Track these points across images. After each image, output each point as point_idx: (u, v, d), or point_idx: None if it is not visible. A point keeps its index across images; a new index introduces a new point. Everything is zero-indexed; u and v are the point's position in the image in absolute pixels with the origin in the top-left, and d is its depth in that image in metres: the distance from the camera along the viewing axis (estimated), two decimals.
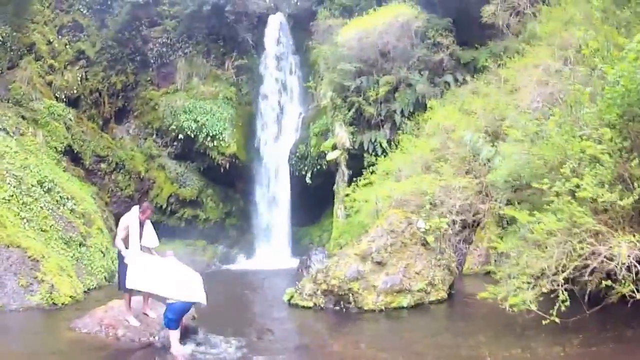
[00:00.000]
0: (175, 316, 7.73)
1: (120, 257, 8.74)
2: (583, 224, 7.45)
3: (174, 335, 7.76)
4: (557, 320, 7.09)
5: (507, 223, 13.07)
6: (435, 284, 10.61)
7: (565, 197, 7.73)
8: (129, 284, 8.23)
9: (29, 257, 12.43)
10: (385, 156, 17.25)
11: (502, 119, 14.60)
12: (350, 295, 10.21)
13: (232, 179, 21.62)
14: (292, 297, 10.94)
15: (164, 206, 20.67)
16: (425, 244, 11.18)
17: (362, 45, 19.44)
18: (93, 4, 21.67)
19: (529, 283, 7.68)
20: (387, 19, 19.04)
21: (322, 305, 10.45)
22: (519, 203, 12.17)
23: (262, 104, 22.75)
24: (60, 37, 20.83)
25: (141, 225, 8.79)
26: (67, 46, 20.86)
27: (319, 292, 10.53)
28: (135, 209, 8.86)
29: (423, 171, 15.20)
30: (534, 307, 7.36)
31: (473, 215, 13.94)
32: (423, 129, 17.10)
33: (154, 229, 8.99)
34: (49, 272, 12.45)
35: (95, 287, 14.50)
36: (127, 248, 8.57)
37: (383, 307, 10.07)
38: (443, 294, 10.59)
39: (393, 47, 19.17)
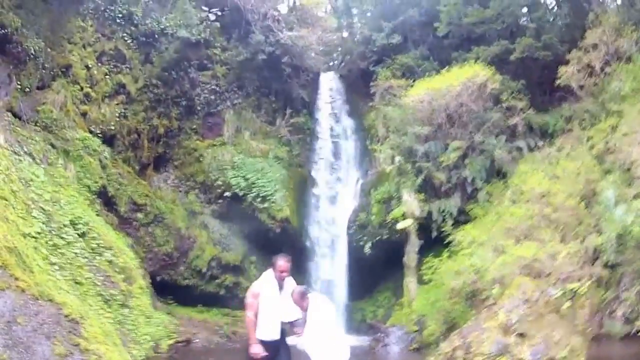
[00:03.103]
0: None
1: None
2: None
3: None
4: None
5: (606, 287, 12.92)
6: (574, 351, 10.74)
7: None
8: None
9: (66, 317, 10.32)
10: (460, 224, 16.53)
11: (595, 180, 14.63)
12: None
13: (278, 246, 20.06)
14: None
15: (204, 270, 19.10)
16: (558, 311, 11.30)
17: (431, 107, 19.05)
18: (138, 34, 20.32)
19: None
20: (461, 80, 18.75)
21: None
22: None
23: (316, 167, 22.01)
24: (99, 64, 19.27)
25: (281, 288, 7.30)
26: (107, 76, 19.26)
27: None
28: (269, 273, 7.41)
29: (523, 239, 14.43)
30: None
31: (578, 281, 13.19)
32: (504, 195, 16.53)
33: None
34: (93, 338, 10.58)
35: None
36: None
37: None
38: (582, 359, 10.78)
39: (467, 111, 18.80)
